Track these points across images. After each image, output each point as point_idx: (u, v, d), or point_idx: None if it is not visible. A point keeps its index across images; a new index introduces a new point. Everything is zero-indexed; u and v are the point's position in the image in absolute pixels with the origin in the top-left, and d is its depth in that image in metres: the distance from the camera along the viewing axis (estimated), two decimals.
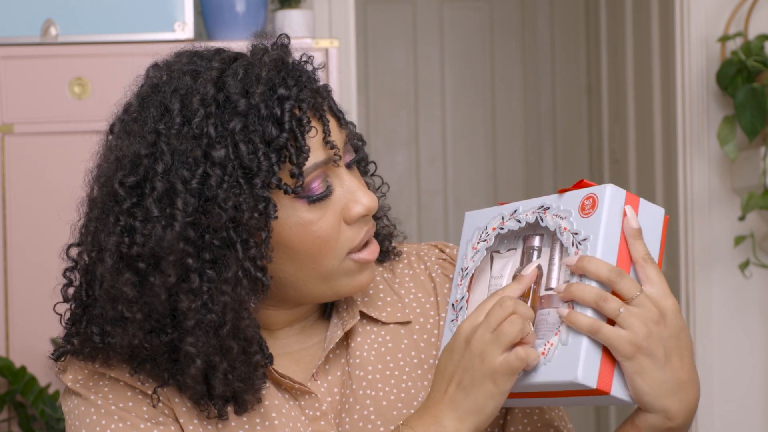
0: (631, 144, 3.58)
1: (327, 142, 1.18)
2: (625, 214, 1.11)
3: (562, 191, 1.15)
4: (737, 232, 2.99)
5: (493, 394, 1.11)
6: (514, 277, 1.17)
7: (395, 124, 4.39)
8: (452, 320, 1.22)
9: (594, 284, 1.09)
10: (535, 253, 1.16)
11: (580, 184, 1.14)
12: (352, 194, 1.20)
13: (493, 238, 1.19)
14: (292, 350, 1.27)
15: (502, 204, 1.21)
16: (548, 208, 1.15)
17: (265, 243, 1.15)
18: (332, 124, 1.20)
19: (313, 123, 1.17)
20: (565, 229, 1.12)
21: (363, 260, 1.21)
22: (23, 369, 2.40)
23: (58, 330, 2.43)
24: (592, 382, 1.08)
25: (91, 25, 2.54)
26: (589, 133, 4.28)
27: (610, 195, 1.11)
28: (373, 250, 1.23)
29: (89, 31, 2.54)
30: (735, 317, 3.03)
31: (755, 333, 3.03)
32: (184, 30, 2.55)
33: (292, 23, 2.78)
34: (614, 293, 1.10)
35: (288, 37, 1.24)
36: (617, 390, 1.10)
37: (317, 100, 1.18)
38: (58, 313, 1.24)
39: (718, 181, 3.01)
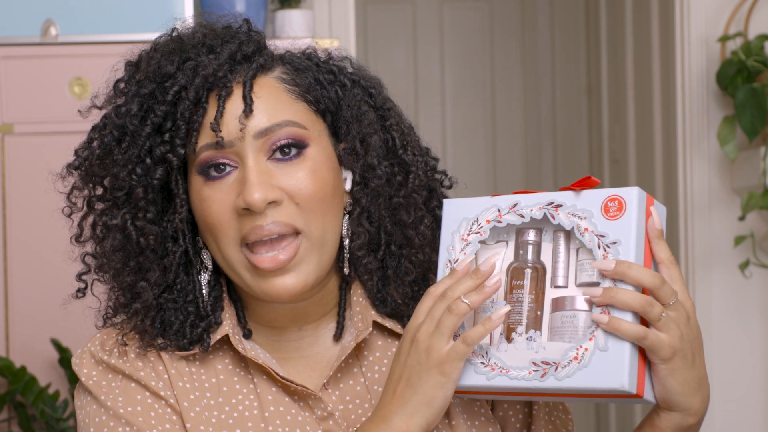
0: (631, 144, 3.58)
1: (212, 127, 1.18)
2: (649, 215, 1.11)
3: (570, 188, 1.13)
4: (737, 232, 2.99)
5: (441, 384, 1.11)
6: (509, 270, 1.15)
7: None
8: None
9: (630, 288, 1.08)
10: (531, 247, 1.15)
11: (588, 181, 1.13)
12: (244, 185, 1.18)
13: (488, 231, 1.17)
14: (306, 354, 1.27)
15: (495, 195, 1.18)
16: (560, 205, 1.13)
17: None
18: (234, 107, 1.19)
19: (211, 103, 1.19)
20: (586, 229, 1.11)
21: (254, 264, 1.19)
22: (23, 369, 2.40)
23: (58, 330, 2.43)
24: (634, 389, 1.08)
25: (91, 25, 2.54)
26: (589, 133, 4.28)
27: (638, 198, 1.10)
28: (268, 260, 1.18)
29: (89, 31, 2.54)
30: (735, 317, 3.03)
31: (755, 333, 3.03)
32: None
33: (292, 23, 2.78)
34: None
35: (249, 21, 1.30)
36: (647, 392, 1.10)
37: (226, 77, 1.20)
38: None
39: (718, 181, 3.01)
